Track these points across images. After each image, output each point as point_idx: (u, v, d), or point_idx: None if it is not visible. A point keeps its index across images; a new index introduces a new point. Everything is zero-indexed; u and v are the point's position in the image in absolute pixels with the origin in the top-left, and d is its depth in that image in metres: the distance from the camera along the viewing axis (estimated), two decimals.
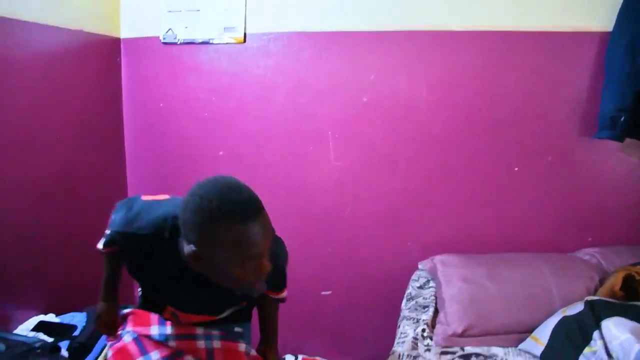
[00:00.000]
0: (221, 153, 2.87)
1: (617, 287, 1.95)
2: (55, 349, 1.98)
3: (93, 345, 2.25)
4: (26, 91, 2.28)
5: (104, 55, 2.83)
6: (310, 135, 2.73)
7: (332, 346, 2.87)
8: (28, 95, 2.30)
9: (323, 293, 2.85)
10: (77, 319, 2.34)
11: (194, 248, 1.14)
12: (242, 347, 1.52)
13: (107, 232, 1.44)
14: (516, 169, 2.53)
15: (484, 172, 2.57)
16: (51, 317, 2.37)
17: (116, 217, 1.39)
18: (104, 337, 2.32)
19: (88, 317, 2.36)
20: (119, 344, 1.50)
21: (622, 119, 2.23)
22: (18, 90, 2.24)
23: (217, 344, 1.50)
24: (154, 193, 2.87)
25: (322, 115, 2.70)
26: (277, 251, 1.39)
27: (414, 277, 2.49)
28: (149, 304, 1.57)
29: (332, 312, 2.79)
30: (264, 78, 2.75)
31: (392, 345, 1.98)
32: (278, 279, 1.50)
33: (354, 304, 2.84)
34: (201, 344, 1.49)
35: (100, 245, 1.50)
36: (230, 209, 1.11)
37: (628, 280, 1.97)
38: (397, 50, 2.57)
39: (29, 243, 2.34)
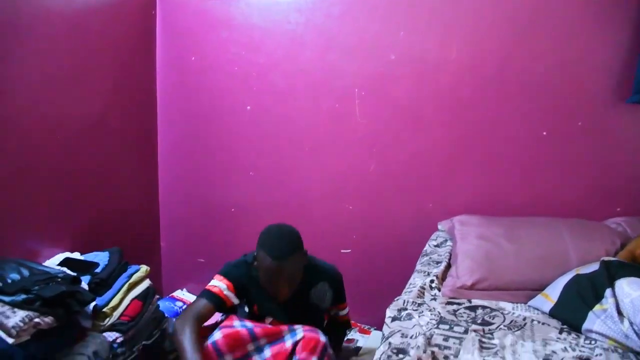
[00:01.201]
0: (249, 107, 2.90)
1: (639, 250, 1.90)
2: (75, 280, 2.06)
3: (113, 282, 2.34)
4: (63, 40, 2.37)
5: (139, 7, 2.89)
6: (337, 91, 2.73)
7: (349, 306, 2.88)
8: (65, 45, 2.38)
9: (343, 251, 2.87)
10: (100, 257, 2.43)
11: (254, 256, 1.83)
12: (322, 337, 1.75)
13: (219, 274, 1.88)
14: (544, 133, 2.47)
15: (511, 136, 2.51)
16: (76, 255, 2.46)
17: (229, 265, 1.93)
18: (124, 274, 2.41)
19: (110, 256, 2.45)
20: (229, 329, 1.75)
21: None
22: (55, 38, 2.32)
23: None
24: (180, 141, 2.96)
25: (349, 72, 2.70)
26: (336, 278, 2.04)
27: (432, 237, 2.48)
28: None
29: (351, 270, 2.79)
30: (294, 34, 2.76)
31: None
32: (338, 298, 2.04)
33: (373, 264, 2.85)
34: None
35: (214, 282, 1.84)
36: (268, 243, 1.75)
37: None
38: (426, 8, 2.53)
39: (61, 179, 2.45)
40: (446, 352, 1.48)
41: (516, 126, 2.50)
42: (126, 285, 2.34)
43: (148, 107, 3.04)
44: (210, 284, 1.83)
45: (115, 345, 2.15)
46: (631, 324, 1.54)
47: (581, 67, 2.38)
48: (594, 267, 1.80)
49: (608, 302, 1.62)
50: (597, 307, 1.64)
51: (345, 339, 2.70)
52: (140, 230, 3.06)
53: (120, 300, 2.28)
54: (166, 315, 2.65)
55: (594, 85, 2.38)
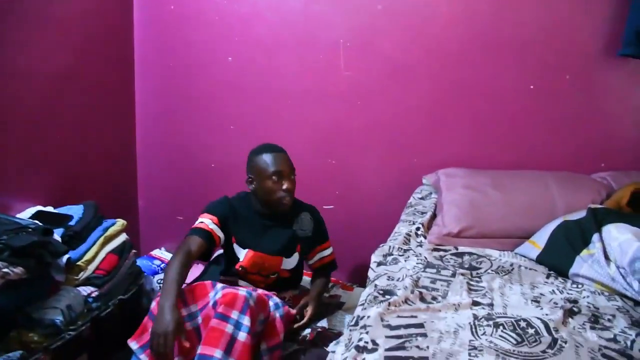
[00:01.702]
0: (230, 59, 2.81)
1: (625, 200, 1.87)
2: (48, 231, 1.98)
3: (87, 235, 2.26)
4: None
5: None
6: (321, 43, 2.65)
7: None
8: None
9: (325, 207, 2.81)
10: (74, 210, 2.35)
11: (249, 176, 1.94)
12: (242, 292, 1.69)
13: (203, 212, 1.97)
14: (532, 86, 2.42)
15: (498, 90, 2.46)
16: (49, 209, 2.37)
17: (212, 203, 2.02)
18: (99, 227, 2.33)
19: (85, 209, 2.36)
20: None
21: None
22: None
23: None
24: (158, 94, 2.86)
25: (334, 23, 2.61)
26: (317, 212, 2.14)
27: (417, 190, 2.44)
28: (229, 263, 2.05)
29: (334, 227, 2.74)
30: None
31: None
32: (320, 232, 2.12)
33: (356, 220, 2.80)
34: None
35: (202, 219, 1.92)
36: (263, 147, 1.94)
37: (636, 195, 1.89)
38: None
39: (34, 132, 2.35)
40: (434, 293, 1.44)
41: (503, 80, 2.45)
42: (101, 239, 2.27)
43: (124, 58, 2.93)
44: (196, 223, 1.91)
45: (90, 299, 2.09)
46: (617, 267, 1.52)
47: (570, 20, 2.33)
48: (581, 214, 1.78)
49: (595, 246, 1.61)
50: (584, 252, 1.62)
51: (328, 295, 2.67)
52: (117, 188, 2.97)
53: (95, 253, 2.21)
54: (144, 272, 2.60)
55: (583, 37, 2.33)
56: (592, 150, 2.41)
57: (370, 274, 1.59)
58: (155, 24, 2.90)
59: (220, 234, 1.91)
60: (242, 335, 1.54)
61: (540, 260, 1.72)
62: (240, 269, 1.96)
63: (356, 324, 1.28)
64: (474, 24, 2.44)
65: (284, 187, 1.87)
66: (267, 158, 1.88)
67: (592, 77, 2.36)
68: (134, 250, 2.43)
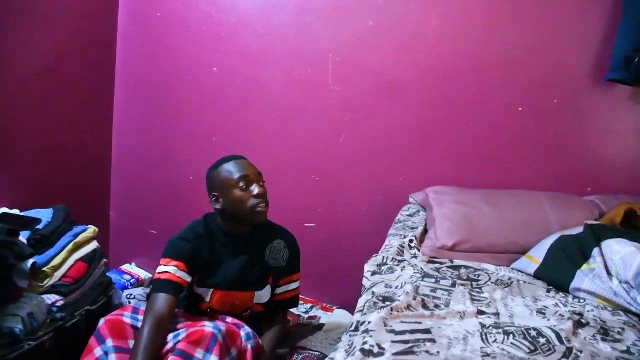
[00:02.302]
0: (215, 69, 2.74)
1: (618, 219, 1.85)
2: (12, 232, 1.84)
3: (56, 240, 2.13)
4: None
5: None
6: (310, 56, 2.61)
7: (311, 283, 2.74)
8: None
9: (307, 225, 2.73)
10: (43, 214, 2.21)
11: (213, 194, 1.71)
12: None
13: (165, 257, 1.70)
14: (520, 109, 2.42)
15: (487, 111, 2.45)
16: (15, 212, 2.23)
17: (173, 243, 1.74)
18: (70, 233, 2.20)
19: (55, 213, 2.23)
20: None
21: (637, 59, 2.13)
22: None
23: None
24: (138, 101, 2.77)
25: (324, 37, 2.58)
26: (293, 240, 1.91)
27: (404, 208, 2.37)
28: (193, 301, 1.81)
29: (315, 246, 2.66)
30: None
31: None
32: (293, 262, 1.88)
33: (338, 240, 2.72)
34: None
35: (167, 268, 1.66)
36: (221, 160, 1.74)
37: (629, 215, 1.87)
38: None
39: (8, 129, 2.23)
40: (436, 301, 1.36)
41: (492, 101, 2.44)
42: (71, 245, 2.14)
43: (106, 62, 2.83)
44: (158, 271, 1.66)
45: (54, 309, 1.95)
46: (620, 282, 1.47)
47: (559, 44, 2.35)
48: (579, 229, 1.74)
49: (596, 261, 1.56)
50: (584, 267, 1.58)
51: (307, 316, 2.56)
52: (87, 196, 2.81)
53: (64, 260, 2.08)
54: (115, 284, 2.45)
55: (571, 62, 2.35)
56: (579, 174, 2.40)
57: (366, 283, 1.50)
58: (140, 29, 2.82)
59: (188, 279, 1.68)
60: None
61: (538, 275, 1.66)
62: (208, 309, 1.77)
63: (356, 329, 1.19)
64: (464, 44, 2.44)
65: (255, 192, 1.65)
66: (228, 167, 1.68)
67: (579, 101, 2.37)
68: (104, 260, 2.30)
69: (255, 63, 2.68)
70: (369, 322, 1.19)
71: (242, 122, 2.74)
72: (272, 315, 1.87)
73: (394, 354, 1.04)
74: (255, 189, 1.66)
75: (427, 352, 1.06)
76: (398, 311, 1.25)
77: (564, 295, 1.55)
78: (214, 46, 2.71)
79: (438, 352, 1.06)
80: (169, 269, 1.63)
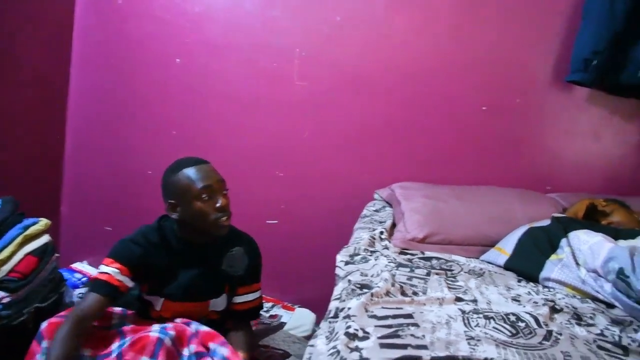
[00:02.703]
0: (178, 60, 2.65)
1: (581, 213, 1.90)
2: None
3: (4, 233, 2.00)
4: None
5: None
6: (276, 50, 2.57)
7: (272, 281, 2.69)
8: None
9: (268, 222, 2.68)
10: None
11: (170, 201, 1.53)
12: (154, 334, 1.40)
13: (109, 257, 1.56)
14: (484, 108, 2.46)
15: (452, 108, 2.48)
16: None
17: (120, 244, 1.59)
18: (19, 225, 2.07)
19: (2, 204, 2.10)
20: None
21: (595, 62, 2.21)
22: None
23: None
24: (95, 91, 2.64)
25: (291, 31, 2.55)
26: (254, 247, 1.72)
27: (369, 204, 2.36)
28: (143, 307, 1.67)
29: (276, 243, 2.60)
30: None
31: None
32: (253, 271, 1.71)
33: (301, 237, 2.67)
34: None
35: (107, 268, 1.52)
36: (181, 162, 1.55)
37: (591, 209, 1.92)
38: None
39: None
40: (414, 289, 1.34)
41: (456, 100, 2.48)
42: (20, 238, 2.01)
43: (61, 49, 2.69)
44: (98, 270, 1.54)
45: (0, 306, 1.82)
46: (587, 270, 1.50)
47: (521, 46, 2.42)
48: (546, 222, 1.77)
49: (564, 251, 1.59)
50: (553, 257, 1.60)
51: (268, 315, 2.51)
52: (36, 189, 2.65)
53: (11, 253, 1.96)
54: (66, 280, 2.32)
55: (533, 63, 2.42)
56: (539, 173, 2.47)
57: (339, 272, 1.47)
58: (100, 16, 2.70)
59: (130, 284, 1.54)
60: None
61: (508, 266, 1.68)
62: (159, 317, 1.62)
63: (336, 315, 1.16)
64: (429, 42, 2.47)
65: (218, 205, 1.49)
66: (190, 173, 1.49)
67: (541, 101, 2.44)
68: (56, 254, 2.17)
69: (219, 55, 2.61)
70: (349, 308, 1.16)
71: (204, 115, 2.66)
72: (234, 326, 1.70)
73: (379, 337, 1.01)
74: (219, 201, 1.50)
75: (412, 335, 1.04)
76: (378, 297, 1.22)
77: (534, 285, 1.56)
78: (178, 36, 2.63)
79: (423, 336, 1.04)
80: (110, 270, 1.50)
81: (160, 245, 1.58)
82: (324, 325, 1.14)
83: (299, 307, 2.60)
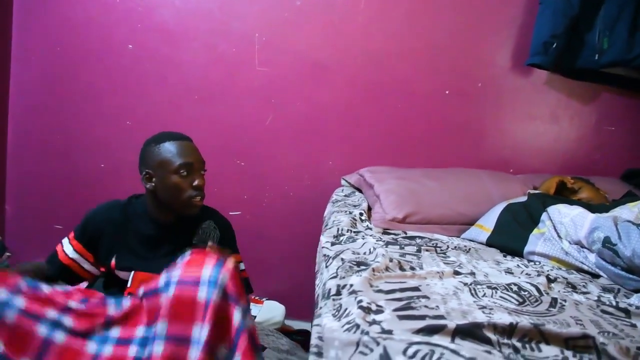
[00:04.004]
0: (130, 47, 2.51)
1: (552, 190, 1.93)
2: None
3: None
4: None
5: None
6: (235, 35, 2.48)
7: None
8: None
9: (231, 213, 2.58)
10: None
11: (146, 171, 1.49)
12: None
13: (75, 229, 1.55)
14: (447, 92, 2.47)
15: (414, 92, 2.48)
16: None
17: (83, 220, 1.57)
18: None
19: None
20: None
21: (555, 45, 2.26)
22: None
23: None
24: (38, 80, 2.46)
25: (250, 15, 2.47)
26: (224, 220, 1.69)
27: (336, 191, 2.31)
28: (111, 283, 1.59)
29: (240, 235, 2.49)
30: None
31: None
32: (227, 243, 1.67)
33: (265, 228, 2.59)
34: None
35: (65, 244, 1.54)
36: (165, 135, 1.51)
37: (560, 187, 1.96)
38: None
39: None
40: (410, 264, 1.31)
41: (419, 83, 2.48)
42: None
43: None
44: (59, 244, 1.57)
45: None
46: (570, 242, 1.52)
47: (481, 30, 2.44)
48: (523, 198, 1.79)
49: (545, 225, 1.60)
50: (535, 231, 1.61)
51: None
52: None
53: None
54: None
55: (493, 47, 2.46)
56: (501, 156, 2.51)
57: (328, 252, 1.41)
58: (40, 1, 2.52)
59: (87, 266, 1.53)
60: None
61: (490, 242, 1.67)
62: (129, 295, 1.45)
63: (338, 292, 1.10)
64: (391, 27, 2.46)
65: (195, 183, 1.48)
66: (171, 147, 1.47)
67: (502, 85, 2.48)
68: (7, 253, 2.00)
69: (175, 40, 2.50)
70: (352, 284, 1.10)
71: (160, 103, 2.53)
72: None
73: (394, 310, 0.97)
74: (196, 180, 1.48)
75: (425, 306, 1.00)
76: (379, 272, 1.18)
77: (519, 259, 1.56)
78: (128, 20, 2.49)
79: (437, 307, 1.00)
80: (66, 246, 1.54)
81: (126, 218, 1.56)
82: (327, 303, 1.08)
83: (267, 299, 2.52)
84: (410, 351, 0.78)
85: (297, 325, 2.54)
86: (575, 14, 2.25)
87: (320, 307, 1.10)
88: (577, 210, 1.55)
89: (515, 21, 2.42)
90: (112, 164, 2.58)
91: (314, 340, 0.98)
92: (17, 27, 2.55)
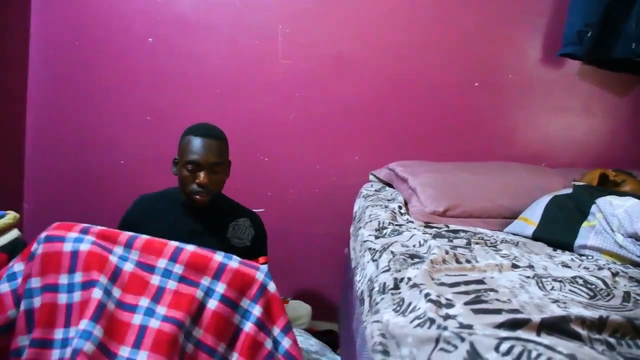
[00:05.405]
0: (150, 40, 2.45)
1: (595, 183, 1.85)
2: None
3: None
4: None
5: None
6: (258, 27, 2.42)
7: None
8: None
9: (254, 210, 2.50)
10: None
11: (176, 157, 1.63)
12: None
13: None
14: (476, 84, 2.40)
15: (442, 85, 2.41)
16: None
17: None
18: None
19: None
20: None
21: (589, 34, 2.19)
22: None
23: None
24: (57, 75, 2.40)
25: (273, 6, 2.41)
26: (259, 221, 1.80)
27: (365, 186, 2.23)
28: None
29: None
30: None
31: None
32: (259, 244, 1.78)
33: (291, 224, 2.53)
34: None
35: None
36: (196, 127, 1.60)
37: (602, 179, 1.88)
38: None
39: None
40: (466, 256, 1.23)
41: (447, 75, 2.41)
42: None
43: (16, 28, 2.43)
44: None
45: None
46: (624, 236, 1.43)
47: (511, 18, 2.38)
48: (568, 190, 1.70)
49: (596, 217, 1.51)
50: (584, 224, 1.53)
51: None
52: None
53: None
54: None
55: (526, 39, 2.38)
56: (534, 149, 2.43)
57: (373, 246, 1.33)
58: None
59: None
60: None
61: (537, 236, 1.59)
62: None
63: (396, 287, 1.03)
64: (416, 17, 2.39)
65: (198, 180, 1.54)
66: (190, 141, 1.56)
67: (533, 77, 2.40)
68: None
69: (195, 33, 2.44)
70: (410, 278, 1.03)
71: (181, 98, 2.48)
72: None
73: (465, 304, 0.89)
74: (200, 177, 1.54)
75: (497, 300, 0.92)
76: (438, 264, 1.10)
77: (570, 253, 1.48)
78: (149, 13, 2.44)
79: (509, 300, 0.93)
80: None
81: (162, 207, 1.69)
82: (384, 297, 1.01)
83: (291, 299, 2.46)
84: (503, 347, 0.70)
85: (321, 326, 2.47)
86: (611, 1, 2.17)
87: (377, 302, 1.03)
88: (631, 201, 1.47)
89: (546, 9, 2.35)
90: (132, 160, 2.52)
91: (376, 338, 0.90)
92: (36, 22, 2.50)
